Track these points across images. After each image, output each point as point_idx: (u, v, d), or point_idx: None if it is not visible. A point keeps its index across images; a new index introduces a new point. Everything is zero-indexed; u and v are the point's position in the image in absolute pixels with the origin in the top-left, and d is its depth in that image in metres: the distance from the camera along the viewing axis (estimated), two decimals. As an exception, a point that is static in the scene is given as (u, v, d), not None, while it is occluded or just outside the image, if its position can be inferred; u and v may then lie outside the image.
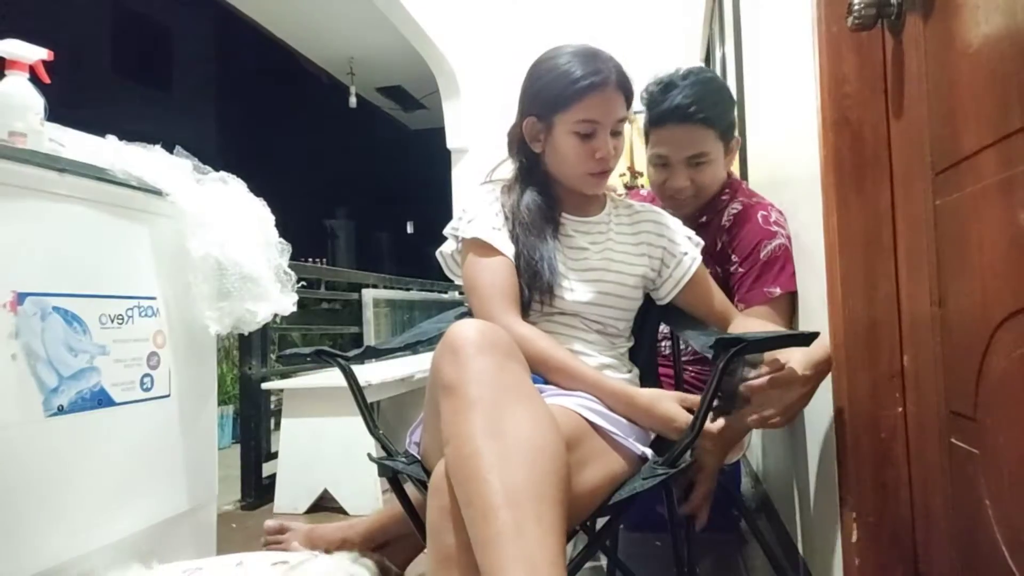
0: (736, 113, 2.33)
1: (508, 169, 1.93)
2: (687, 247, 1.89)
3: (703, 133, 2.16)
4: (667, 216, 1.96)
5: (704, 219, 2.26)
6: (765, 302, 2.04)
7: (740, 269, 2.11)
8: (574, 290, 1.77)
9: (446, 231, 1.91)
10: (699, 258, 1.90)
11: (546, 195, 1.84)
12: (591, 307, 1.78)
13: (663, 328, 2.13)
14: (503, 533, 1.14)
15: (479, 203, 1.85)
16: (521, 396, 1.32)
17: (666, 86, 2.19)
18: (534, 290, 1.73)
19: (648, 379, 1.90)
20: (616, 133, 1.76)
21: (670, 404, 1.61)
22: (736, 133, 2.29)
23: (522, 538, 1.13)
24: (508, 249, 1.76)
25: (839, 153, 1.49)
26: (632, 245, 1.88)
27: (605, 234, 1.87)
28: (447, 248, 1.92)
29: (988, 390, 1.10)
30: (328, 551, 1.99)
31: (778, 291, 2.03)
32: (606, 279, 1.80)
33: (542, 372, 1.63)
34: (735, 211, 2.20)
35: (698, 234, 2.00)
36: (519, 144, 1.86)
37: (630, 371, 1.84)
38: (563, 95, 1.72)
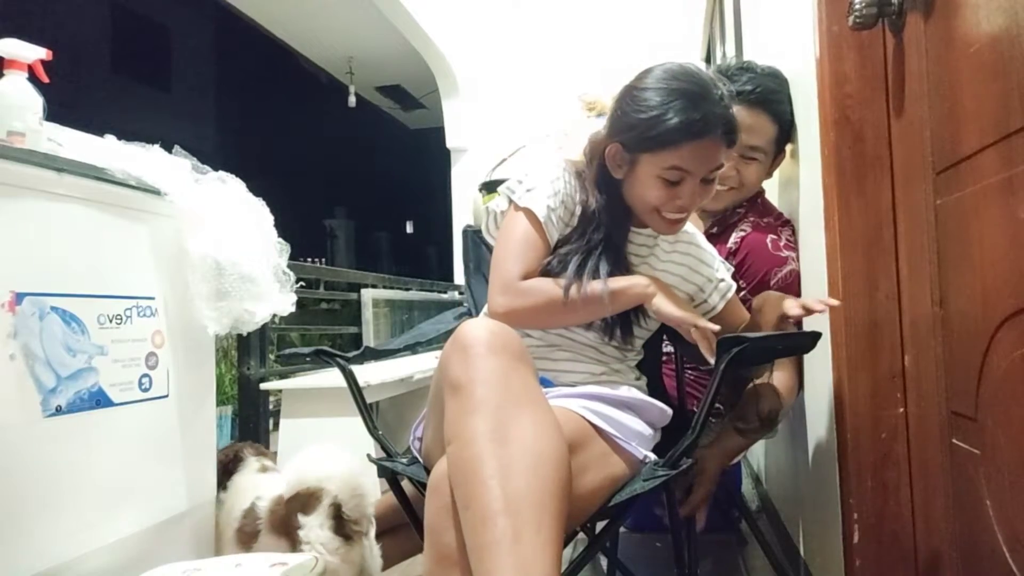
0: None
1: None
2: (723, 273, 1.83)
3: (767, 126, 2.06)
4: (705, 241, 1.86)
5: (715, 230, 2.16)
6: None
7: (749, 296, 1.99)
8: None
9: (501, 189, 1.76)
10: (734, 286, 1.83)
11: (620, 212, 1.71)
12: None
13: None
14: (500, 540, 1.13)
15: (544, 175, 1.71)
16: (528, 401, 1.30)
17: (744, 67, 2.08)
18: (623, 328, 1.69)
19: (651, 383, 1.86)
20: (708, 181, 1.61)
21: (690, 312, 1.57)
22: (785, 149, 2.16)
23: (519, 546, 1.13)
24: (552, 234, 1.67)
25: (840, 152, 1.49)
26: (672, 264, 1.80)
27: (651, 249, 1.78)
28: (498, 206, 1.78)
29: (989, 390, 1.10)
30: None
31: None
32: None
33: (561, 313, 1.61)
34: (743, 234, 2.09)
35: None
36: (600, 162, 1.69)
37: (639, 378, 1.81)
38: (656, 137, 1.54)
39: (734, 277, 1.90)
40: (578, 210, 1.72)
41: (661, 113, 1.53)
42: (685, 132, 1.51)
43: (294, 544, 1.76)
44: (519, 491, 1.17)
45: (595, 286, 1.59)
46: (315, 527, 1.74)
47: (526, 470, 1.20)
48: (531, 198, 1.66)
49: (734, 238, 2.09)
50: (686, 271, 1.80)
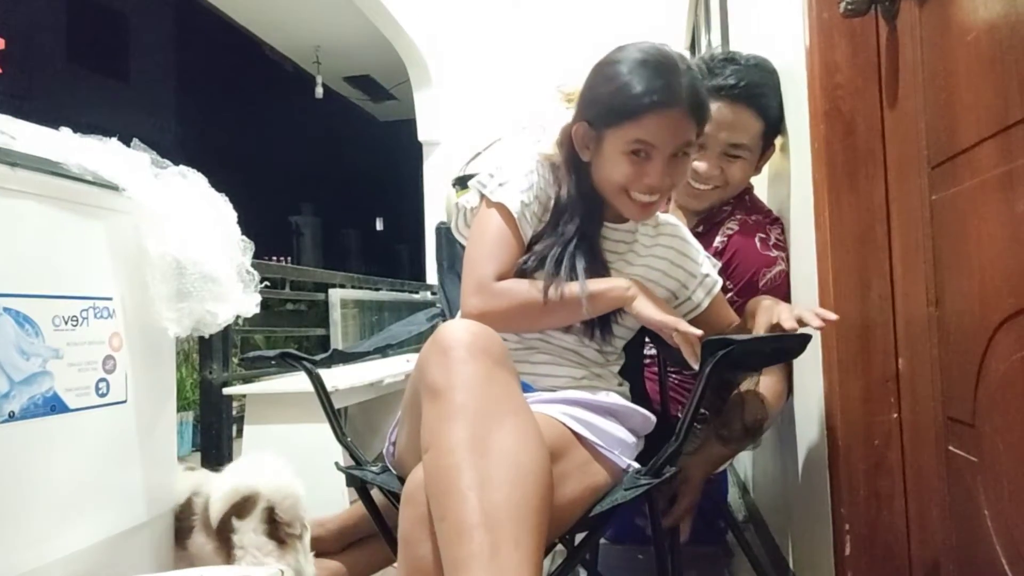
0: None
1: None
2: (708, 268, 1.79)
3: (751, 122, 1.99)
4: (688, 234, 1.83)
5: (700, 229, 2.10)
6: None
7: (737, 298, 1.96)
8: None
9: (472, 183, 1.72)
10: (720, 282, 1.79)
11: (593, 204, 1.68)
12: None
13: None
14: (477, 555, 1.09)
15: (516, 169, 1.68)
16: (509, 408, 1.27)
17: (724, 60, 2.01)
18: (603, 328, 1.65)
19: (633, 388, 1.83)
20: (679, 155, 1.58)
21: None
22: (774, 144, 2.10)
23: (497, 562, 1.09)
24: (526, 230, 1.63)
25: (831, 146, 1.47)
26: (653, 259, 1.76)
27: (630, 244, 1.75)
28: (469, 202, 1.77)
29: (987, 395, 1.09)
30: None
31: None
32: None
33: (536, 317, 1.58)
34: (730, 232, 2.05)
35: None
36: (569, 147, 1.67)
37: (621, 384, 1.77)
38: (619, 109, 1.53)
39: (721, 275, 1.86)
40: (551, 204, 1.69)
41: (625, 83, 1.52)
42: (648, 101, 1.49)
43: (227, 547, 1.81)
44: (498, 504, 1.14)
45: (573, 288, 1.55)
46: (248, 531, 1.79)
47: (506, 482, 1.16)
48: (504, 192, 1.63)
49: (720, 237, 2.05)
50: (668, 265, 1.76)
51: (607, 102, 1.55)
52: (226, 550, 1.81)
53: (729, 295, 1.93)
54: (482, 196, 1.67)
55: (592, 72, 1.63)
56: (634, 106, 1.50)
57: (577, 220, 1.64)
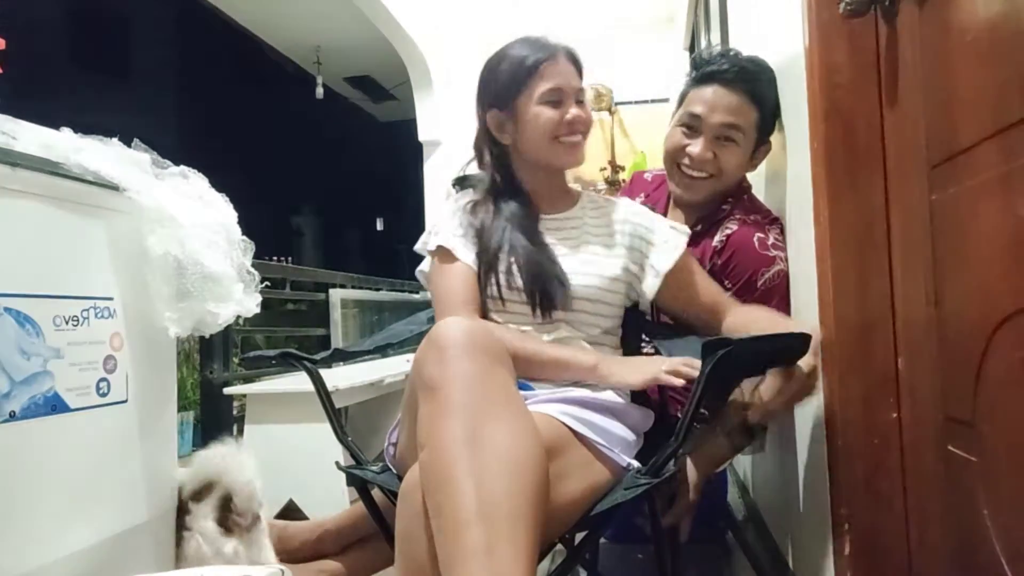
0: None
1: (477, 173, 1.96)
2: (669, 235, 1.84)
3: (746, 108, 2.02)
4: (641, 207, 1.94)
5: (699, 228, 2.11)
6: None
7: (735, 298, 1.95)
8: None
9: (417, 248, 1.92)
10: (682, 246, 1.83)
11: (520, 199, 1.84)
12: (570, 312, 1.75)
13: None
14: (473, 551, 1.10)
15: (443, 216, 1.88)
16: (505, 405, 1.28)
17: (724, 52, 2.09)
18: (543, 298, 1.71)
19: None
20: (580, 102, 1.80)
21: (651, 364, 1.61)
22: (769, 140, 2.13)
23: (492, 558, 1.09)
24: (468, 256, 1.77)
25: (830, 145, 1.47)
26: (607, 237, 1.84)
27: (579, 228, 1.84)
28: (425, 266, 1.94)
29: (987, 394, 1.09)
30: (300, 552, 2.03)
31: None
32: (583, 272, 1.76)
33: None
34: (729, 231, 2.04)
35: (690, 245, 1.93)
36: (488, 142, 1.88)
37: None
38: (520, 76, 1.77)
39: (719, 275, 1.93)
40: (482, 228, 1.81)
41: (514, 56, 1.80)
42: (540, 56, 1.76)
43: (180, 528, 1.92)
44: (493, 499, 1.14)
45: (541, 350, 1.65)
46: (200, 517, 1.89)
47: (501, 477, 1.17)
48: (438, 237, 1.82)
49: (719, 236, 2.04)
50: (625, 236, 1.86)
51: (507, 79, 1.79)
52: (178, 531, 1.91)
53: (728, 295, 1.93)
54: (427, 253, 1.89)
55: (483, 72, 1.87)
56: (531, 64, 1.76)
57: (508, 216, 1.79)
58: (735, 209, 2.08)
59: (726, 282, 1.97)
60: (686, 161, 2.07)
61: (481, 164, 1.91)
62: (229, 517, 1.90)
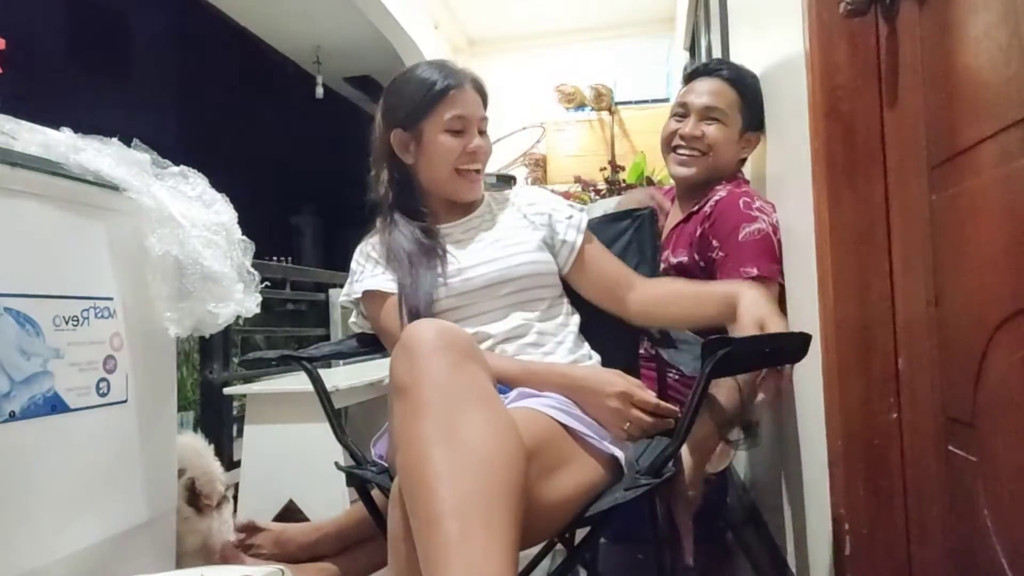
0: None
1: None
2: (571, 211, 1.93)
3: (725, 90, 2.30)
4: (542, 190, 2.04)
5: (695, 207, 2.27)
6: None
7: (720, 253, 2.08)
8: (485, 274, 1.77)
9: (342, 300, 1.99)
10: (584, 222, 1.92)
11: (420, 216, 1.90)
12: (507, 283, 1.78)
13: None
14: (447, 542, 1.09)
15: (354, 264, 1.94)
16: (477, 399, 1.26)
17: (711, 59, 2.36)
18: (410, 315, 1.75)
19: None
20: (482, 132, 1.88)
21: (611, 375, 1.60)
22: (759, 130, 2.36)
23: (467, 546, 1.08)
24: (392, 286, 1.81)
25: (831, 146, 1.47)
26: (519, 219, 1.92)
27: (490, 222, 1.92)
28: (355, 317, 2.01)
29: (987, 394, 1.09)
30: (299, 554, 2.04)
31: (755, 271, 1.97)
32: (507, 255, 1.81)
33: None
34: (718, 198, 2.17)
35: (684, 224, 2.15)
36: (388, 160, 1.92)
37: (581, 347, 1.83)
38: (428, 99, 1.81)
39: (705, 236, 2.10)
40: (386, 251, 1.88)
41: (424, 79, 1.83)
42: (449, 83, 1.81)
43: None
44: (466, 493, 1.13)
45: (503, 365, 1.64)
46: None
47: (474, 471, 1.16)
48: (360, 284, 1.87)
49: (710, 203, 2.19)
50: (527, 220, 1.92)
51: (415, 100, 1.83)
52: None
53: (715, 251, 2.12)
54: (357, 304, 1.94)
55: (388, 90, 1.92)
56: (440, 89, 1.80)
57: (407, 235, 1.85)
58: (727, 186, 2.22)
59: (714, 241, 2.10)
60: (679, 142, 2.33)
61: (377, 181, 1.96)
62: (199, 498, 2.11)
